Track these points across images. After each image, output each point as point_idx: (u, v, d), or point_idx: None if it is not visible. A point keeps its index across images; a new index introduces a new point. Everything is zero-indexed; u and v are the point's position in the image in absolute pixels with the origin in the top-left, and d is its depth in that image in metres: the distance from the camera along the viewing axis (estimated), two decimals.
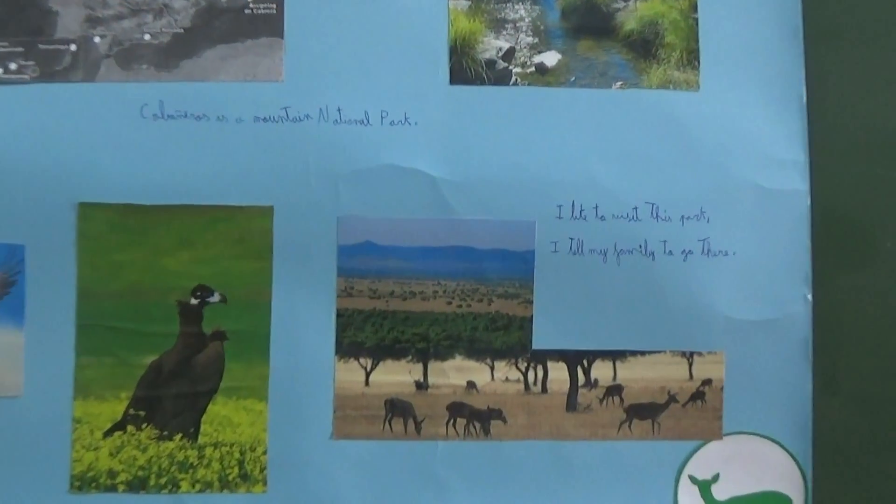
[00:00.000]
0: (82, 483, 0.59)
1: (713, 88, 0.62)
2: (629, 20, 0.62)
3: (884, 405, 0.63)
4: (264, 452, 0.60)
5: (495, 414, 0.63)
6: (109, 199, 0.59)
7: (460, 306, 0.62)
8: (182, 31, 0.60)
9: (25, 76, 0.58)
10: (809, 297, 0.62)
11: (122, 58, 0.59)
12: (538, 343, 0.63)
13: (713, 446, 0.64)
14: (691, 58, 0.61)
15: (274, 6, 0.60)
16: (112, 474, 0.60)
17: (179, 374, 0.61)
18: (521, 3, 0.61)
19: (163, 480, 0.60)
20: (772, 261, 0.63)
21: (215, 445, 0.61)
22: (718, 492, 0.63)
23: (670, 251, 0.62)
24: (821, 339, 0.63)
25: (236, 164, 0.60)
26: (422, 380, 0.63)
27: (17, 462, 0.59)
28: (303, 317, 0.61)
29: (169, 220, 0.60)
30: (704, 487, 0.64)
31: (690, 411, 0.64)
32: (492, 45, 0.61)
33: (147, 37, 0.59)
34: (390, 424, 0.62)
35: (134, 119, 0.59)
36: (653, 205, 0.62)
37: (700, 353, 0.63)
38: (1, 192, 0.58)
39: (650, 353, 0.63)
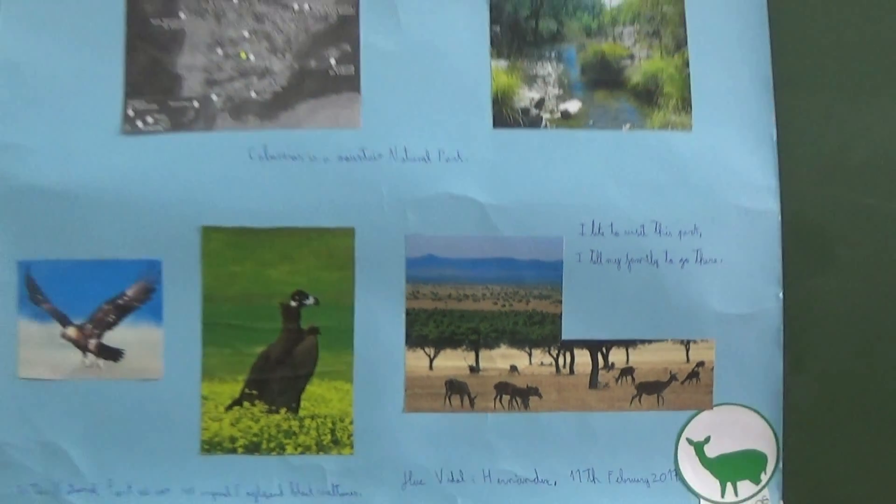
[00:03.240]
0: (210, 446, 0.69)
1: (703, 129, 0.70)
2: (635, 74, 0.70)
3: (838, 381, 0.71)
4: (351, 423, 0.69)
5: (533, 391, 0.70)
6: (226, 223, 0.68)
7: (504, 306, 0.69)
8: (280, 89, 0.69)
9: (160, 127, 0.68)
10: (780, 295, 0.70)
11: (233, 111, 0.69)
12: (566, 334, 0.70)
13: (705, 415, 0.70)
14: (685, 104, 0.70)
15: (353, 68, 0.69)
16: (232, 440, 0.69)
17: (283, 362, 0.69)
18: (548, 62, 0.70)
19: (272, 445, 0.69)
20: (750, 266, 0.69)
21: (312, 417, 0.69)
22: (710, 451, 0.70)
23: (671, 260, 0.69)
24: (789, 328, 0.70)
25: (325, 194, 0.68)
26: (474, 364, 0.70)
27: (159, 430, 0.69)
28: (379, 315, 0.69)
29: (272, 239, 0.68)
30: (699, 447, 0.70)
31: (687, 387, 0.70)
32: (526, 96, 0.70)
33: (253, 94, 0.69)
34: (449, 400, 0.69)
35: (244, 160, 0.68)
36: (656, 223, 0.69)
37: (695, 341, 0.70)
38: (141, 219, 0.67)
39: (655, 341, 0.70)
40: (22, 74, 0.69)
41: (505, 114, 0.70)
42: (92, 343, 0.69)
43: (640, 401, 0.71)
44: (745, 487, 0.71)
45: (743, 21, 0.71)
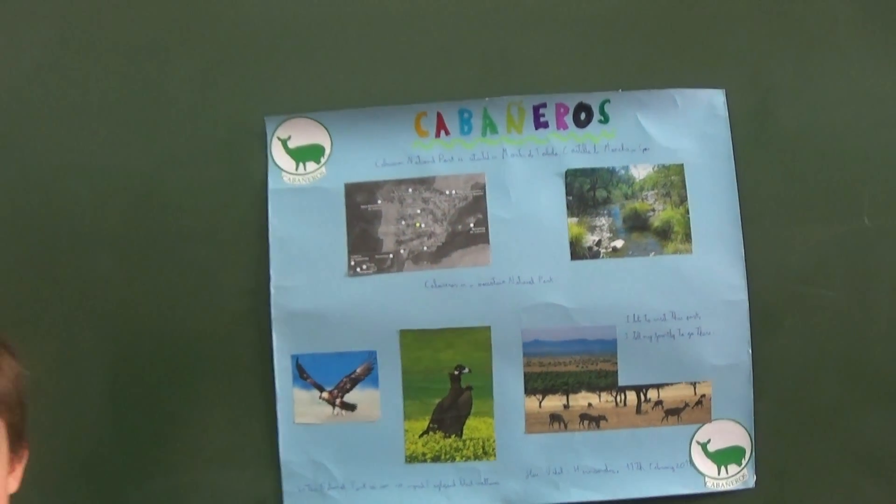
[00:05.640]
0: (410, 458, 0.99)
1: (699, 252, 0.98)
2: (656, 221, 1.00)
3: (788, 403, 0.98)
4: (494, 441, 0.99)
5: (602, 418, 0.98)
6: (413, 327, 0.98)
7: (582, 368, 0.98)
8: (441, 244, 1.00)
9: (370, 271, 1.00)
10: (750, 351, 0.97)
11: (414, 259, 1.00)
12: (621, 382, 0.99)
13: (707, 426, 0.98)
14: (687, 237, 0.98)
15: (484, 228, 1.00)
16: (423, 454, 0.99)
17: (451, 407, 0.99)
18: (602, 217, 1.00)
19: (447, 456, 0.98)
20: (732, 335, 0.97)
21: (471, 439, 0.99)
22: (710, 447, 0.98)
23: (682, 335, 0.98)
24: (756, 371, 0.97)
25: (471, 307, 0.98)
26: (566, 403, 0.98)
27: (379, 450, 1.00)
28: (508, 377, 0.98)
29: (441, 335, 0.98)
30: (703, 446, 0.97)
31: (696, 410, 0.98)
32: (590, 239, 0.99)
33: (425, 248, 1.00)
34: (552, 425, 0.98)
35: (422, 289, 0.98)
36: (672, 312, 0.97)
37: (699, 382, 0.98)
38: (363, 327, 0.99)
39: (675, 383, 0.98)
40: (287, 245, 1.04)
41: (578, 251, 0.99)
42: (338, 401, 1.03)
43: (667, 420, 0.99)
44: (733, 469, 1.00)
45: (720, 182, 1.01)
